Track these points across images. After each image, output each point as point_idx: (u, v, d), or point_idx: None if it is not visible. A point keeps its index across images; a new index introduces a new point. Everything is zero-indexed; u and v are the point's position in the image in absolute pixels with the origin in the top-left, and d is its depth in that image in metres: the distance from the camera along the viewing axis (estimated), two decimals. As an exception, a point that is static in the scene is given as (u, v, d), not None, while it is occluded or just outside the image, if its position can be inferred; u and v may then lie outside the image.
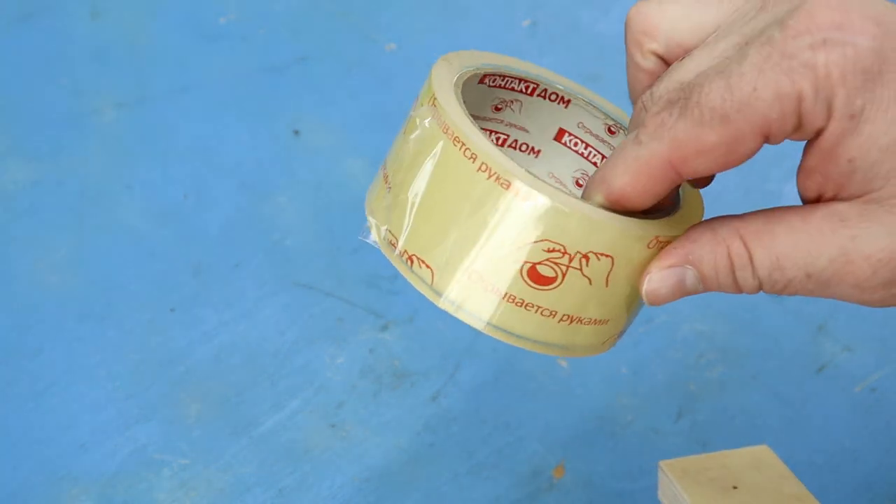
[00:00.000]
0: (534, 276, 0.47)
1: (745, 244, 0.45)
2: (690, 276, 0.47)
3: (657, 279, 0.47)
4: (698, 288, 0.47)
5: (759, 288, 0.46)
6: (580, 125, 0.57)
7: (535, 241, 0.47)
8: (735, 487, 0.59)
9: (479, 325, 0.49)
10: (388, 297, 0.80)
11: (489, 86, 0.56)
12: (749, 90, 0.42)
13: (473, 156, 0.47)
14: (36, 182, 0.84)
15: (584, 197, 0.48)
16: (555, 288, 0.47)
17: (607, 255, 0.47)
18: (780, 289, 0.45)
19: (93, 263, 0.81)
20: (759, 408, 0.77)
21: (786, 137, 0.44)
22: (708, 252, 0.46)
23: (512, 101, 0.56)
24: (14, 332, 0.78)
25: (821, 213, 0.44)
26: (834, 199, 0.45)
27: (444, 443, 0.74)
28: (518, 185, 0.46)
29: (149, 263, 0.81)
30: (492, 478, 0.73)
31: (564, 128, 0.55)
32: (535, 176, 0.47)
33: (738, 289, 0.46)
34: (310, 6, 0.93)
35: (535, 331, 0.48)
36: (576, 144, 0.56)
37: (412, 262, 0.51)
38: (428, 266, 0.50)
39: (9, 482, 0.72)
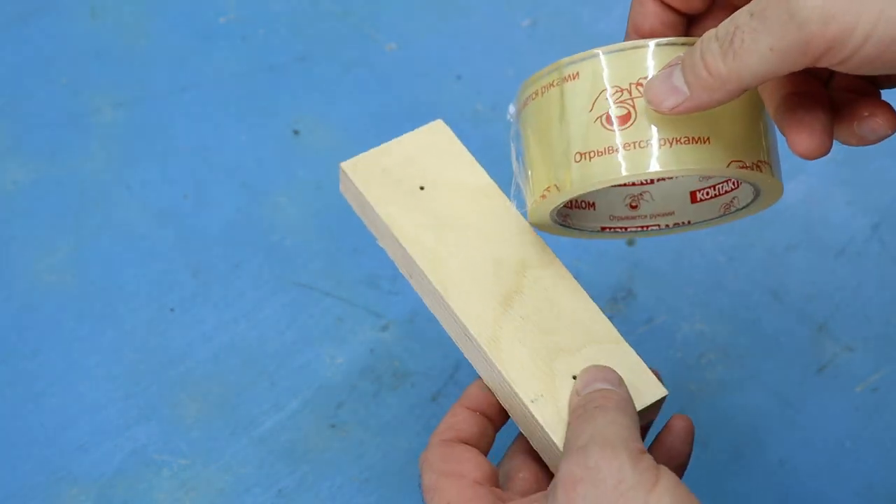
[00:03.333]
0: (611, 121, 0.55)
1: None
2: (677, 69, 0.52)
3: (649, 80, 0.54)
4: (681, 80, 0.52)
5: (720, 51, 0.50)
6: None
7: (598, 96, 0.55)
8: (422, 188, 0.64)
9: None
10: (388, 297, 0.80)
11: None
12: None
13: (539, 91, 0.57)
14: (36, 182, 0.84)
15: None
16: (634, 121, 0.54)
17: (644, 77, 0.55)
18: (730, 39, 0.49)
19: (92, 263, 0.81)
20: (759, 408, 0.77)
21: None
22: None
23: None
24: (13, 332, 0.78)
25: None
26: None
27: (443, 443, 0.74)
28: (573, 69, 0.56)
29: (149, 263, 0.81)
30: (492, 478, 0.73)
31: None
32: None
33: (705, 64, 0.50)
34: (310, 6, 0.93)
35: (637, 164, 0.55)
36: None
37: (548, 194, 0.58)
38: (556, 186, 0.57)
39: (9, 482, 0.72)
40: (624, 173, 0.54)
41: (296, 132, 0.87)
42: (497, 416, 0.60)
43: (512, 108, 0.60)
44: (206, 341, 0.78)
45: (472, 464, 0.56)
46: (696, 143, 0.54)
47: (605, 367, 0.57)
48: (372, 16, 0.93)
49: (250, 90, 0.89)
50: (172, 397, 0.76)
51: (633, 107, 0.54)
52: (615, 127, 0.54)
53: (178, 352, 0.78)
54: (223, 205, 0.83)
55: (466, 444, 0.58)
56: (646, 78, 0.54)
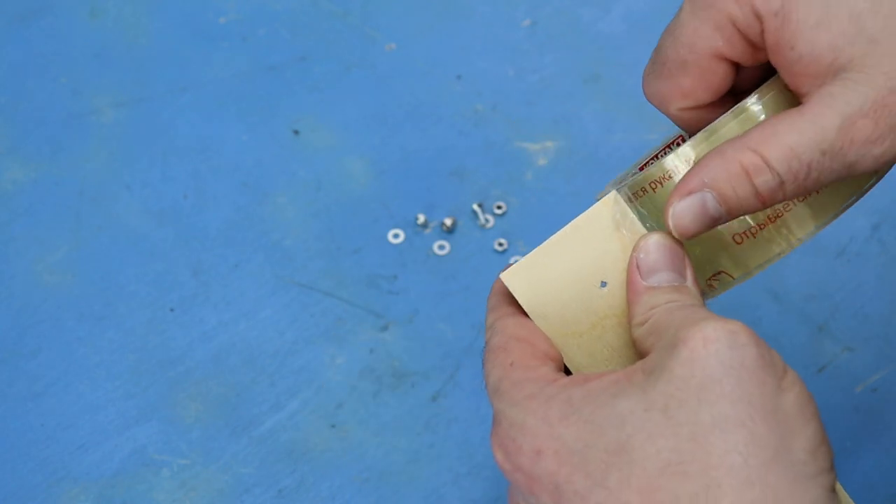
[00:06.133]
0: None
1: (755, 152, 0.49)
2: (710, 198, 0.49)
3: (679, 208, 0.50)
4: (720, 211, 0.50)
5: (782, 186, 0.49)
6: None
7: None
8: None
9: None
10: (388, 297, 0.80)
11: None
12: (691, 33, 0.51)
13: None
14: (35, 182, 0.84)
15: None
16: None
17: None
18: (803, 177, 0.49)
19: (92, 263, 0.81)
20: (759, 408, 0.77)
21: (749, 57, 0.51)
22: (721, 170, 0.49)
23: None
24: (13, 333, 0.78)
25: (812, 99, 0.49)
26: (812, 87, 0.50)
27: (444, 443, 0.74)
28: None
29: (148, 263, 0.81)
30: (492, 478, 0.73)
31: None
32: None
33: (760, 197, 0.49)
34: (310, 6, 0.93)
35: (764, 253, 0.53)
36: None
37: (716, 283, 0.55)
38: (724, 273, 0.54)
39: (8, 482, 0.72)
40: (802, 235, 0.53)
41: (296, 132, 0.87)
42: None
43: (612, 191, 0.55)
44: (206, 341, 0.78)
45: (546, 340, 0.52)
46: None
47: (670, 244, 0.51)
48: (372, 16, 0.93)
49: (250, 90, 0.89)
50: (172, 397, 0.76)
51: None
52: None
53: (178, 352, 0.77)
54: (223, 205, 0.83)
55: None
56: None
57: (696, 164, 0.50)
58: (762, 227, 0.53)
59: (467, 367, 0.77)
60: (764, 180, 0.49)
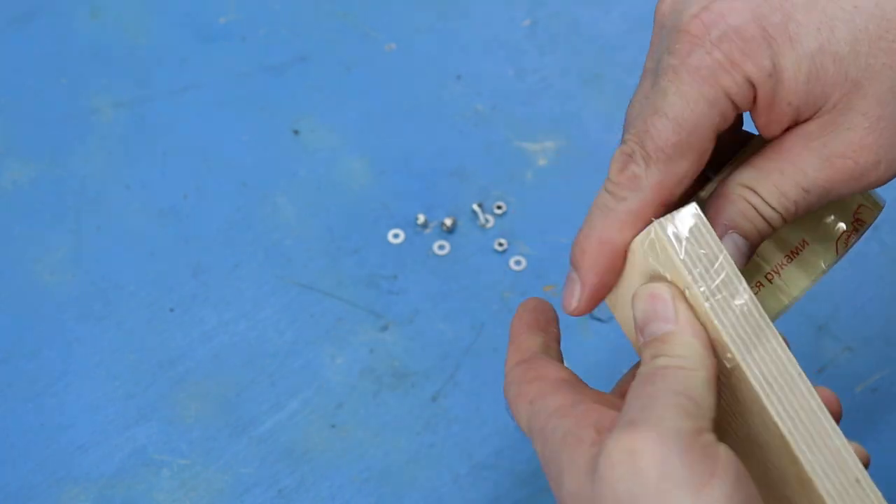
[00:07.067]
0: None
1: (752, 190, 0.50)
2: (737, 238, 0.51)
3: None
4: (746, 246, 0.51)
5: (782, 219, 0.51)
6: None
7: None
8: None
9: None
10: (388, 297, 0.80)
11: None
12: (689, 113, 0.48)
13: None
14: (35, 182, 0.84)
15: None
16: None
17: None
18: (794, 210, 0.50)
19: (92, 263, 0.81)
20: (759, 408, 0.77)
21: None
22: (734, 211, 0.51)
23: None
24: (13, 333, 0.78)
25: (789, 139, 0.50)
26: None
27: (444, 443, 0.74)
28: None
29: (148, 263, 0.81)
30: (492, 478, 0.73)
31: None
32: None
33: (770, 226, 0.51)
34: (310, 6, 0.93)
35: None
36: None
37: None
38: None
39: (8, 482, 0.72)
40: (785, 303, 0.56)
41: (296, 132, 0.87)
42: (555, 327, 0.56)
43: None
44: (206, 341, 0.78)
45: (552, 367, 0.52)
46: (800, 251, 0.55)
47: (653, 291, 0.49)
48: (372, 16, 0.93)
49: (250, 90, 0.89)
50: (172, 397, 0.76)
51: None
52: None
53: (178, 352, 0.77)
54: (223, 204, 0.83)
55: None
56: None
57: (707, 211, 0.51)
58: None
59: (467, 367, 0.77)
60: (769, 214, 0.51)
